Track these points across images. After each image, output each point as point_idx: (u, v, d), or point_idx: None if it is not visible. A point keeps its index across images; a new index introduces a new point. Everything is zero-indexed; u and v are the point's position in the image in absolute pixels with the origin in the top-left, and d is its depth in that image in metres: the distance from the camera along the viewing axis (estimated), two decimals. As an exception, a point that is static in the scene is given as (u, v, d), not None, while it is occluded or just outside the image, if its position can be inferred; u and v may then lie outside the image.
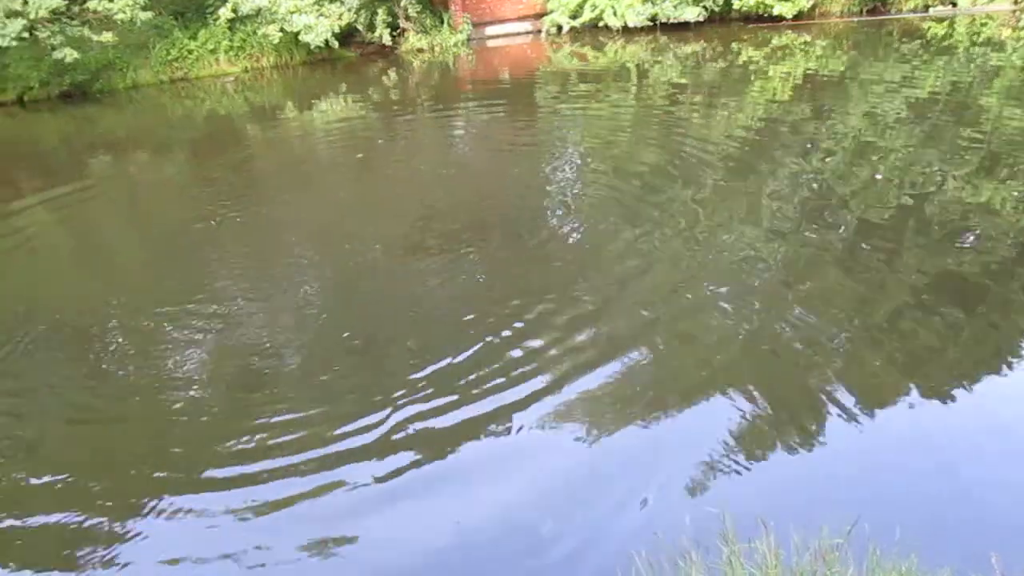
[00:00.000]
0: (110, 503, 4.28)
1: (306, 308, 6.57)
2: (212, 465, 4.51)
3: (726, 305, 5.79)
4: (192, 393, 5.33)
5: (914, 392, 4.53)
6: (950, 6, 17.84)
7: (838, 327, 5.32)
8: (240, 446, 4.64)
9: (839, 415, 4.34)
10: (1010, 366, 4.76)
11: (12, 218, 10.42)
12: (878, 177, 8.24)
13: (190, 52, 19.91)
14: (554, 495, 3.96)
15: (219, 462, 4.53)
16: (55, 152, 15.25)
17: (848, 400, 4.47)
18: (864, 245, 6.68)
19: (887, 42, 16.50)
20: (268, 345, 5.91)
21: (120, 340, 6.32)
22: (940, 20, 17.49)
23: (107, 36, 17.00)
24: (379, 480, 4.20)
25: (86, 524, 4.12)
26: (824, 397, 4.52)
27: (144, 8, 17.41)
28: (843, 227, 7.09)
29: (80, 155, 14.75)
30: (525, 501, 3.93)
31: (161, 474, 4.48)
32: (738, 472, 3.88)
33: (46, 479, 4.53)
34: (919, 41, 16.07)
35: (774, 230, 7.15)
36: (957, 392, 4.51)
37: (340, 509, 4.03)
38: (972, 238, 6.60)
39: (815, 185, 8.29)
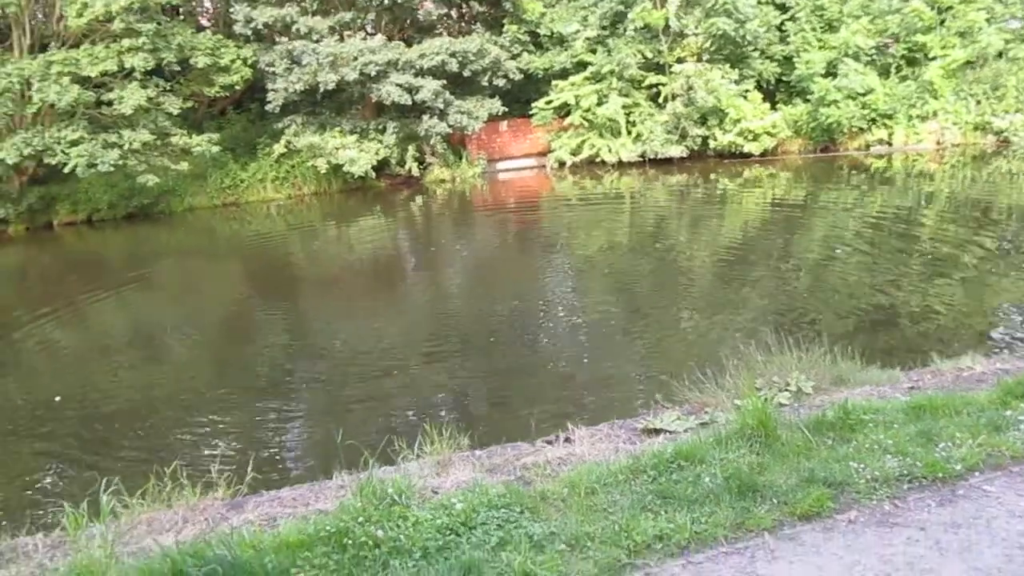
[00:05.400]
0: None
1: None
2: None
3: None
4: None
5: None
6: (887, 145, 21.56)
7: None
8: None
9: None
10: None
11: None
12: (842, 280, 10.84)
13: (242, 181, 22.92)
14: None
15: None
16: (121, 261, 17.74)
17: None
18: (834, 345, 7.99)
19: (839, 174, 19.94)
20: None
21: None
22: (880, 156, 21.14)
23: (184, 166, 19.93)
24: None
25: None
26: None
27: (214, 144, 20.46)
28: (814, 329, 8.04)
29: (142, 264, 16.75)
30: None
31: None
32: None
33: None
34: (865, 174, 19.53)
35: (756, 326, 8.27)
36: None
37: None
38: (934, 329, 8.13)
39: (788, 289, 10.16)
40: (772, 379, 4.58)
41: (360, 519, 3.34)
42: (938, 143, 21.01)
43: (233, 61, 21.16)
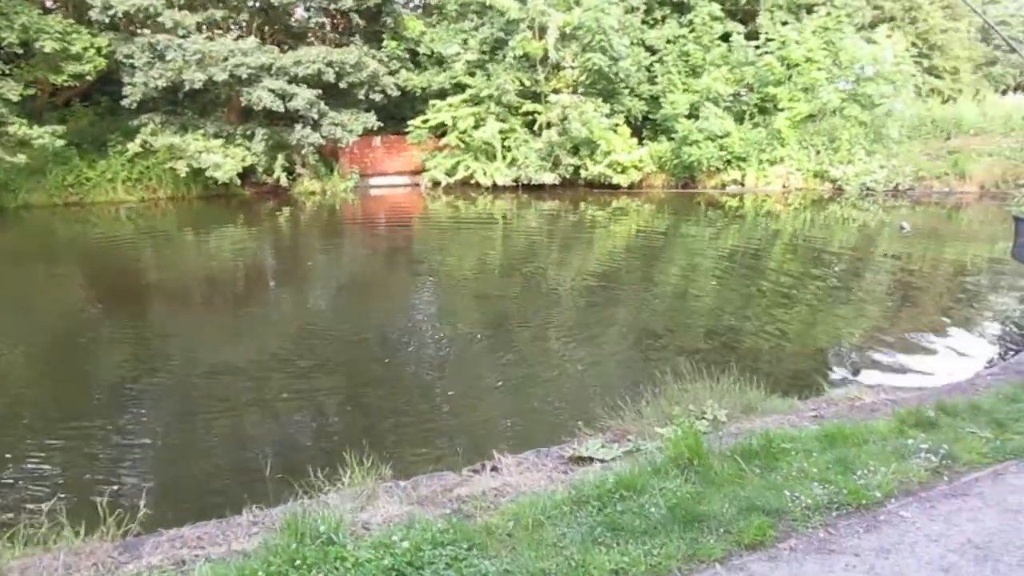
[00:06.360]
0: None
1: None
2: None
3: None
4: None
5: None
6: (740, 185, 23.30)
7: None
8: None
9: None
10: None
11: None
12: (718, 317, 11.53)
13: (88, 179, 20.95)
14: None
15: None
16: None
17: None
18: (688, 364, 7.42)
19: (697, 209, 21.25)
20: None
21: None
22: (734, 195, 22.79)
23: (21, 158, 17.93)
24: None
25: None
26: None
27: (59, 137, 18.61)
28: (672, 347, 8.78)
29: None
30: None
31: None
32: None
33: None
34: (720, 210, 20.93)
35: (616, 352, 9.02)
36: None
37: None
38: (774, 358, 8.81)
39: (648, 314, 10.67)
40: (688, 407, 4.74)
41: (296, 561, 3.08)
42: (784, 186, 22.97)
43: (86, 49, 19.36)
